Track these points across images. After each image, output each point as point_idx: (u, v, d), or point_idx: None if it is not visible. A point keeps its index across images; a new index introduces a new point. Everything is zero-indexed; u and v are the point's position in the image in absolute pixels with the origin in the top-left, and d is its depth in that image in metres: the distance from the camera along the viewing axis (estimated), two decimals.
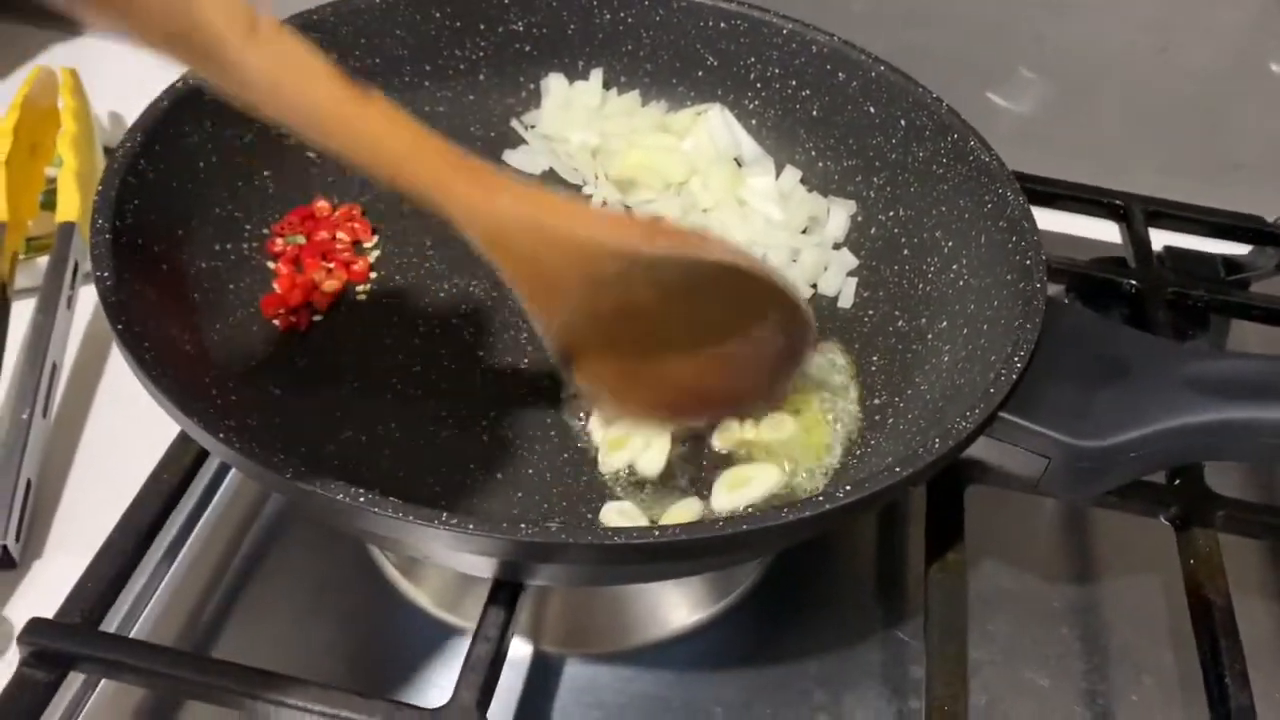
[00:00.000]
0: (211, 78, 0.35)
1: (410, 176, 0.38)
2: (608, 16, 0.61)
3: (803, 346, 0.47)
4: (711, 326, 0.44)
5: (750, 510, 0.44)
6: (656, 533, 0.35)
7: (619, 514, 0.45)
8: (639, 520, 0.45)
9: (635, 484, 0.47)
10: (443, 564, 0.42)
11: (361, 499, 0.35)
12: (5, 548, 0.48)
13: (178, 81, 0.50)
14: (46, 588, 0.48)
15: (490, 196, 0.38)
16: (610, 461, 0.47)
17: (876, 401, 0.51)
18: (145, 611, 0.45)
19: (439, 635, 0.47)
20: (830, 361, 0.53)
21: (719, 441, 0.48)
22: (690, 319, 0.43)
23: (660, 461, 0.47)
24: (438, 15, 0.59)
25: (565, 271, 0.40)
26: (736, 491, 0.46)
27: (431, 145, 0.38)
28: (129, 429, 0.54)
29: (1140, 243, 0.64)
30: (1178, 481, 0.51)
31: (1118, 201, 0.67)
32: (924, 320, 0.53)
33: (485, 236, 0.39)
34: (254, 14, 0.34)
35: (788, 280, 0.43)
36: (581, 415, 0.49)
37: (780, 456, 0.47)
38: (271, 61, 0.35)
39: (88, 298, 0.60)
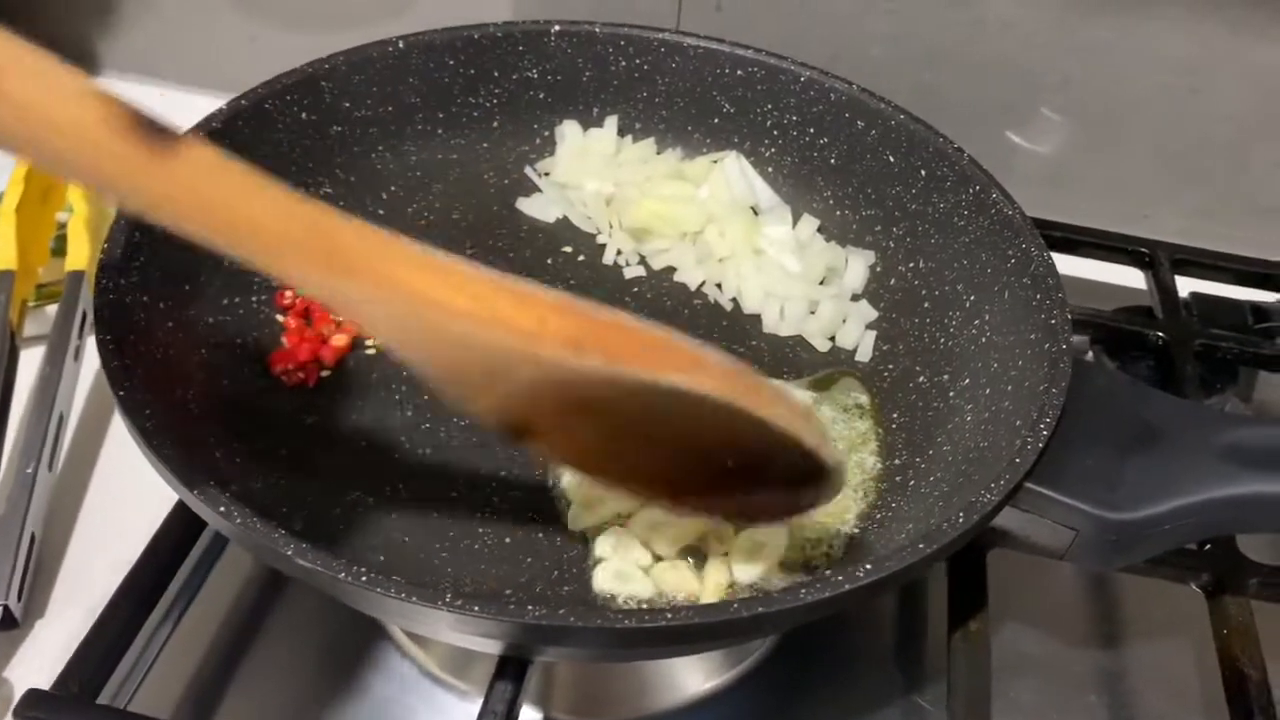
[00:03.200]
0: None
1: (241, 249, 0.30)
2: (623, 63, 0.61)
3: (816, 495, 0.38)
4: (679, 439, 0.36)
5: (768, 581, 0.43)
6: (670, 615, 0.34)
7: (615, 577, 0.43)
8: (637, 583, 0.43)
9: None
10: (450, 641, 0.40)
11: (364, 579, 0.34)
12: (7, 607, 0.47)
13: (188, 133, 0.50)
14: (49, 649, 0.47)
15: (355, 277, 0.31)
16: (582, 519, 0.45)
17: (897, 462, 0.49)
18: (144, 679, 0.44)
19: (446, 702, 0.46)
20: (853, 402, 0.52)
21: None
22: (651, 428, 0.35)
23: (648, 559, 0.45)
24: (451, 63, 0.59)
25: (465, 367, 0.32)
26: (755, 561, 0.44)
27: (262, 204, 0.30)
28: (135, 481, 0.52)
29: (1167, 292, 0.63)
30: (1208, 547, 0.49)
31: (1143, 249, 0.66)
32: (946, 376, 0.51)
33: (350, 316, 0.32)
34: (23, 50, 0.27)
35: (792, 407, 0.34)
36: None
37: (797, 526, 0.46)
38: (30, 86, 0.26)
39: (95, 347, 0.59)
